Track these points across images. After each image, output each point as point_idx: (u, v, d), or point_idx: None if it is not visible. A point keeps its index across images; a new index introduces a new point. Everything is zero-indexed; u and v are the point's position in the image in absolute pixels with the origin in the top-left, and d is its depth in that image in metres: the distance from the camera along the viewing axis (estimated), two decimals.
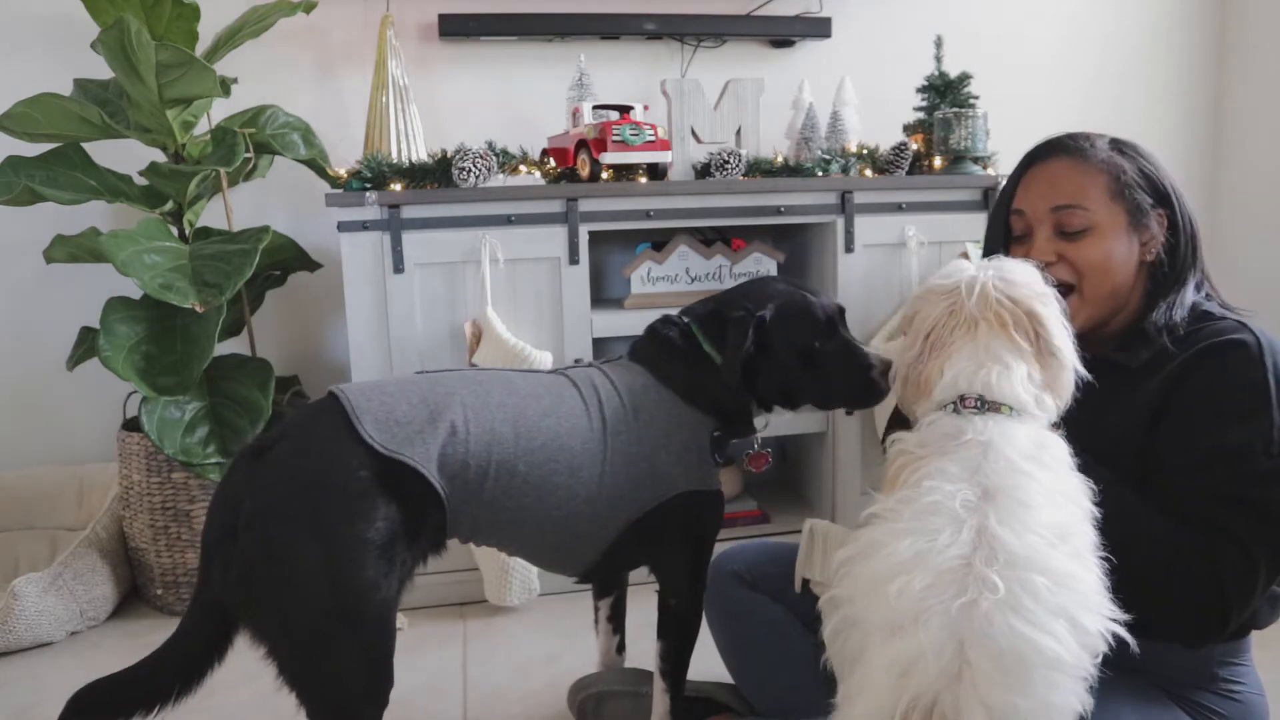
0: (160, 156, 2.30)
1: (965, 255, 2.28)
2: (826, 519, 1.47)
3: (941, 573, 0.92)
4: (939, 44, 2.52)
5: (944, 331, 1.13)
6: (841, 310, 1.47)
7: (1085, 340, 1.18)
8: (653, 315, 1.53)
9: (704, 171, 2.27)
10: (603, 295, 2.58)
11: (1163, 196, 1.29)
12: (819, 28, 2.74)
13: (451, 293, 2.14)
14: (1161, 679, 1.22)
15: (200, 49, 2.24)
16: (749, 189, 2.25)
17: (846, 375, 1.42)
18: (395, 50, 2.32)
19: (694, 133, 2.32)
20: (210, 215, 2.39)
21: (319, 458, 1.23)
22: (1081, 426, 1.12)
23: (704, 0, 2.67)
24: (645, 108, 2.26)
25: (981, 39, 2.90)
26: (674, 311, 1.52)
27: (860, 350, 1.43)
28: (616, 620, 1.71)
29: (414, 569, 1.30)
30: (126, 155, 2.33)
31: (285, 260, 2.45)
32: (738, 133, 2.35)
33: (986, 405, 1.07)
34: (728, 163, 2.22)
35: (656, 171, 2.23)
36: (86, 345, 2.27)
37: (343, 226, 2.07)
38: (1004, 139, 2.44)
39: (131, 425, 2.28)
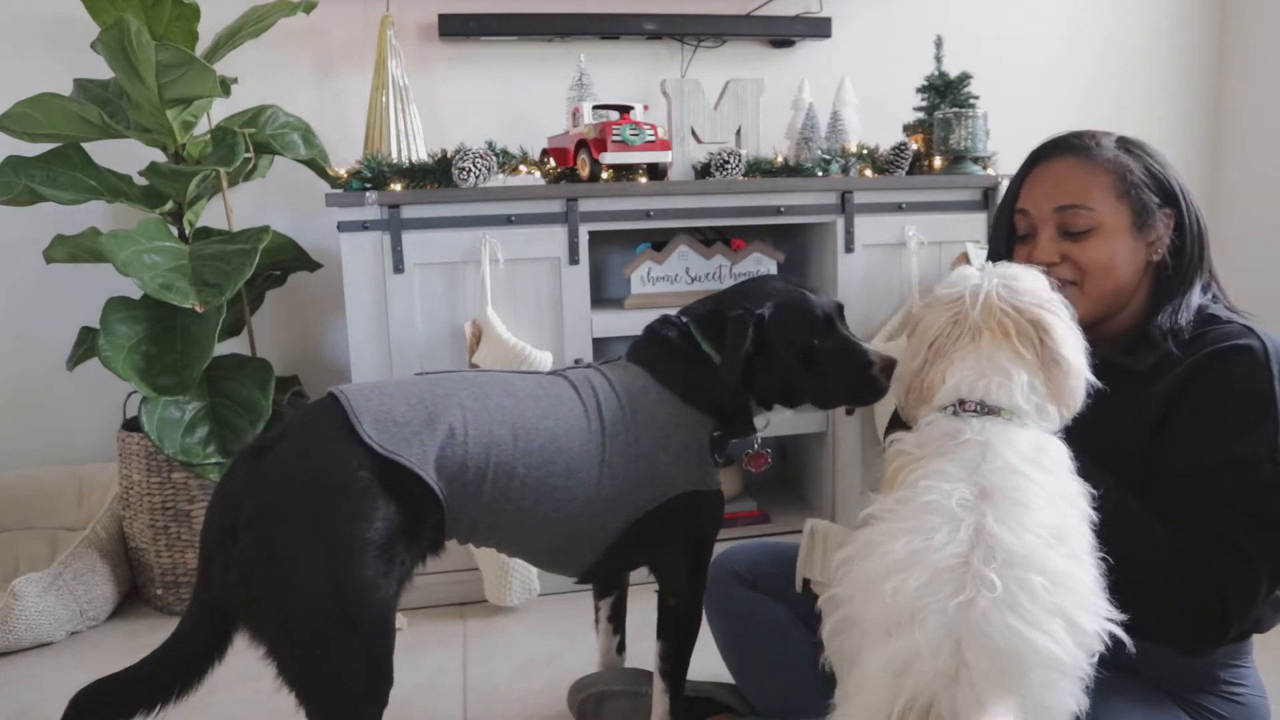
0: (160, 156, 2.30)
1: (965, 255, 2.28)
2: (826, 519, 1.47)
3: (938, 571, 0.91)
4: (939, 44, 2.52)
5: (947, 341, 1.12)
6: (840, 307, 1.47)
7: (1085, 337, 1.17)
8: (653, 315, 1.53)
9: (704, 171, 2.27)
10: (603, 295, 2.58)
11: (1170, 196, 1.27)
12: (819, 28, 2.74)
13: (451, 293, 2.14)
14: (1163, 680, 1.22)
15: (200, 49, 2.24)
16: (749, 189, 2.24)
17: (846, 372, 1.42)
18: (395, 50, 2.32)
19: (694, 133, 2.32)
20: (210, 215, 2.39)
21: (319, 458, 1.23)
22: (1084, 429, 1.11)
23: (704, 0, 2.67)
24: (645, 108, 2.26)
25: (981, 39, 2.90)
26: (672, 312, 1.52)
27: (860, 347, 1.43)
28: (617, 620, 1.71)
29: (413, 569, 1.31)
30: (126, 155, 2.33)
31: (285, 260, 2.45)
32: (738, 133, 2.35)
33: (986, 409, 1.07)
34: (728, 163, 2.22)
35: (656, 171, 2.23)
36: (86, 345, 2.27)
37: (343, 226, 2.07)
38: (1004, 139, 2.44)
39: (131, 425, 2.28)
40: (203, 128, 2.34)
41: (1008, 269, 1.15)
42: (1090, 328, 1.21)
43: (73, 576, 2.15)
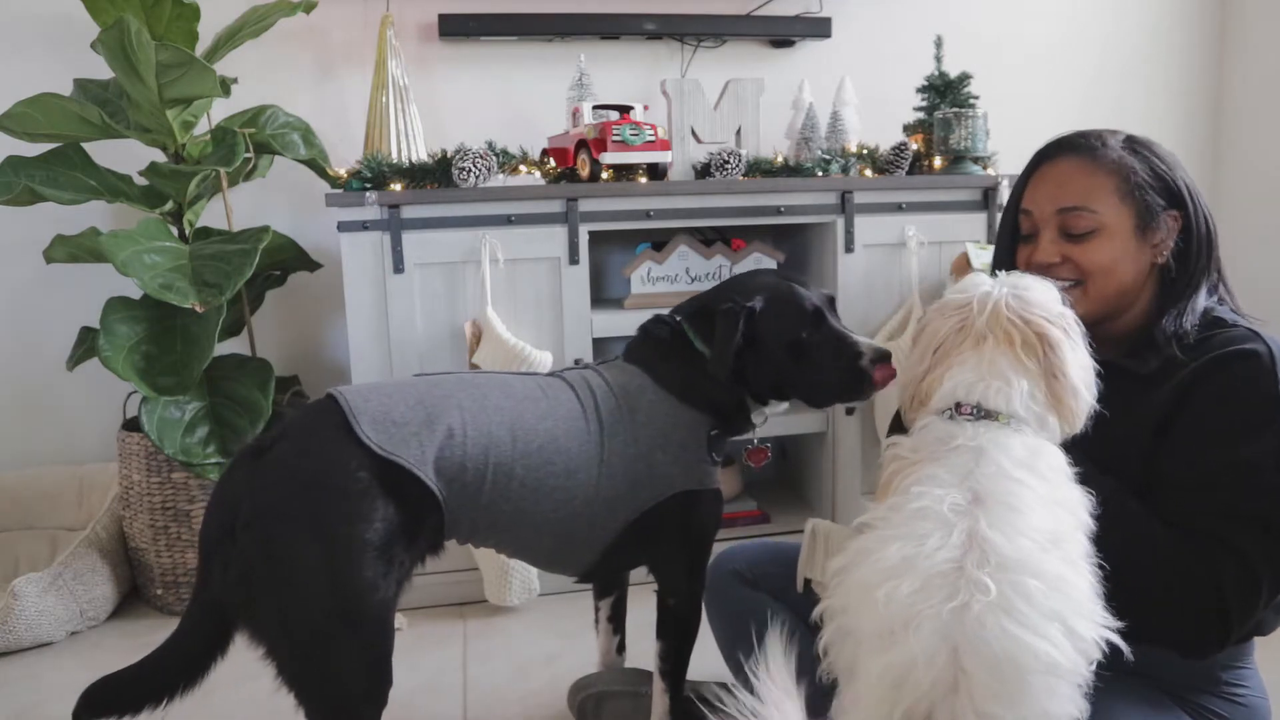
0: (160, 156, 2.31)
1: (965, 255, 2.28)
2: (827, 519, 1.47)
3: (931, 577, 0.90)
4: (939, 44, 2.52)
5: (951, 346, 1.11)
6: (831, 299, 1.46)
7: (1088, 336, 1.17)
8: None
9: (704, 171, 2.27)
10: (603, 295, 2.58)
11: (1176, 198, 1.25)
12: (819, 28, 2.74)
13: (451, 293, 2.14)
14: (1165, 682, 1.21)
15: (200, 49, 2.24)
16: (749, 189, 2.24)
17: (836, 364, 1.40)
18: (395, 50, 2.32)
19: (694, 133, 2.32)
20: (210, 215, 2.39)
21: (318, 458, 1.23)
22: (1086, 432, 1.10)
23: (704, 0, 2.67)
24: (645, 108, 2.26)
25: (981, 39, 2.90)
26: (665, 311, 1.52)
27: (850, 338, 1.41)
28: (617, 620, 1.71)
29: (412, 570, 1.31)
30: (126, 155, 2.33)
31: (285, 260, 2.45)
32: (738, 133, 2.35)
33: (983, 413, 1.05)
34: (728, 163, 2.22)
35: (656, 171, 2.23)
36: (86, 345, 2.27)
37: (343, 226, 2.07)
38: (1004, 139, 2.45)
39: (131, 425, 2.28)
40: (203, 128, 2.34)
41: (1020, 279, 1.14)
42: (1093, 327, 1.20)
43: (73, 576, 2.15)
